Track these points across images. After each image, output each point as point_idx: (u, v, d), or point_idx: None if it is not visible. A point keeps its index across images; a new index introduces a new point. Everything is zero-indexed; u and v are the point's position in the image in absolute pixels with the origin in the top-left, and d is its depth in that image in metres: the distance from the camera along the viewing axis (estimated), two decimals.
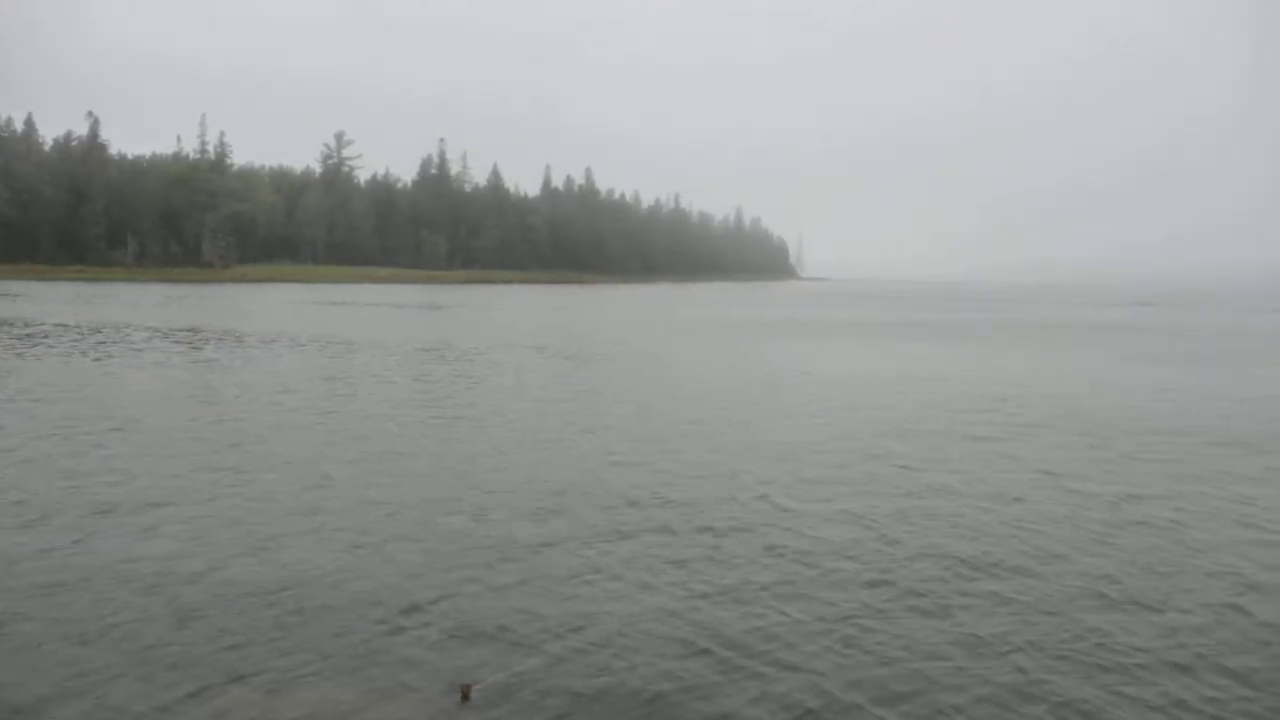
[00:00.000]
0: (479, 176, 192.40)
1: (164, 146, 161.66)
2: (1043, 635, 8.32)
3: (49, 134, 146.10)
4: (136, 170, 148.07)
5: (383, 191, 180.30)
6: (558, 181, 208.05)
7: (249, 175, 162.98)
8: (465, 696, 7.07)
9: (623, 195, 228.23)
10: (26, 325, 40.44)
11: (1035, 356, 37.41)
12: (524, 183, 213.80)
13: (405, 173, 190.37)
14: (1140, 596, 9.28)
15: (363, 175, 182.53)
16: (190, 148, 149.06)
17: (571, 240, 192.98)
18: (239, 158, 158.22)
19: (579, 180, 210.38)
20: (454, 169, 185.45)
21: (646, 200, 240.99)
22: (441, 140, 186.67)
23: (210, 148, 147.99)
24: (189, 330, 40.86)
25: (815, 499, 12.82)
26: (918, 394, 24.01)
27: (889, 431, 18.28)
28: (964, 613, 8.81)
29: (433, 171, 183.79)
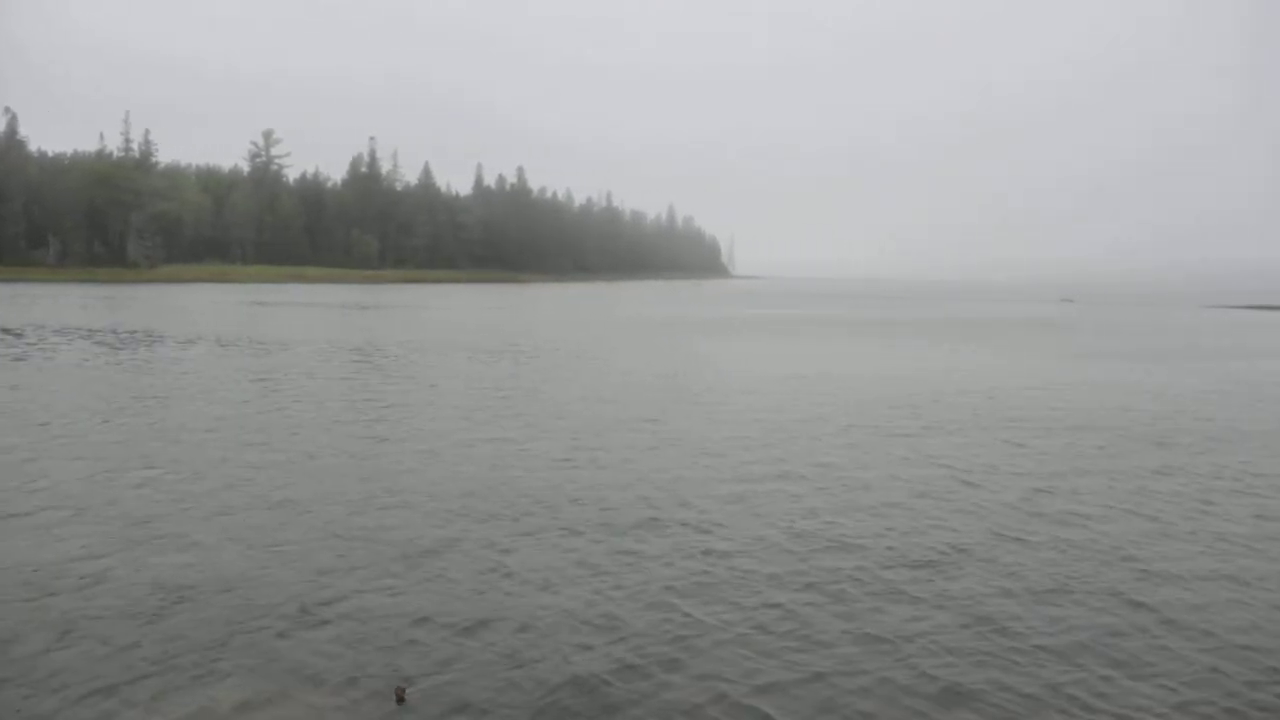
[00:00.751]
0: (411, 175, 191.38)
1: (88, 144, 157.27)
2: (938, 627, 8.47)
3: None
4: (57, 168, 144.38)
5: (312, 190, 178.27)
6: (490, 180, 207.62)
7: (175, 174, 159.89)
8: (400, 699, 7.03)
9: (555, 194, 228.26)
10: None
11: (928, 351, 37.91)
12: (455, 181, 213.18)
13: (336, 171, 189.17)
14: (1037, 586, 9.48)
15: (292, 174, 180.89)
16: (114, 145, 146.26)
17: (504, 239, 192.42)
18: (169, 155, 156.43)
19: (511, 179, 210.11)
20: (384, 167, 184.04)
21: (579, 199, 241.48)
22: (372, 139, 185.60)
23: (135, 146, 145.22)
24: (109, 331, 40.03)
25: (726, 497, 12.92)
26: (822, 389, 24.32)
27: (800, 428, 18.46)
28: (867, 607, 8.94)
29: (363, 170, 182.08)
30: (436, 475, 14.05)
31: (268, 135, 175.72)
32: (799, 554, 10.48)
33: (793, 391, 24.28)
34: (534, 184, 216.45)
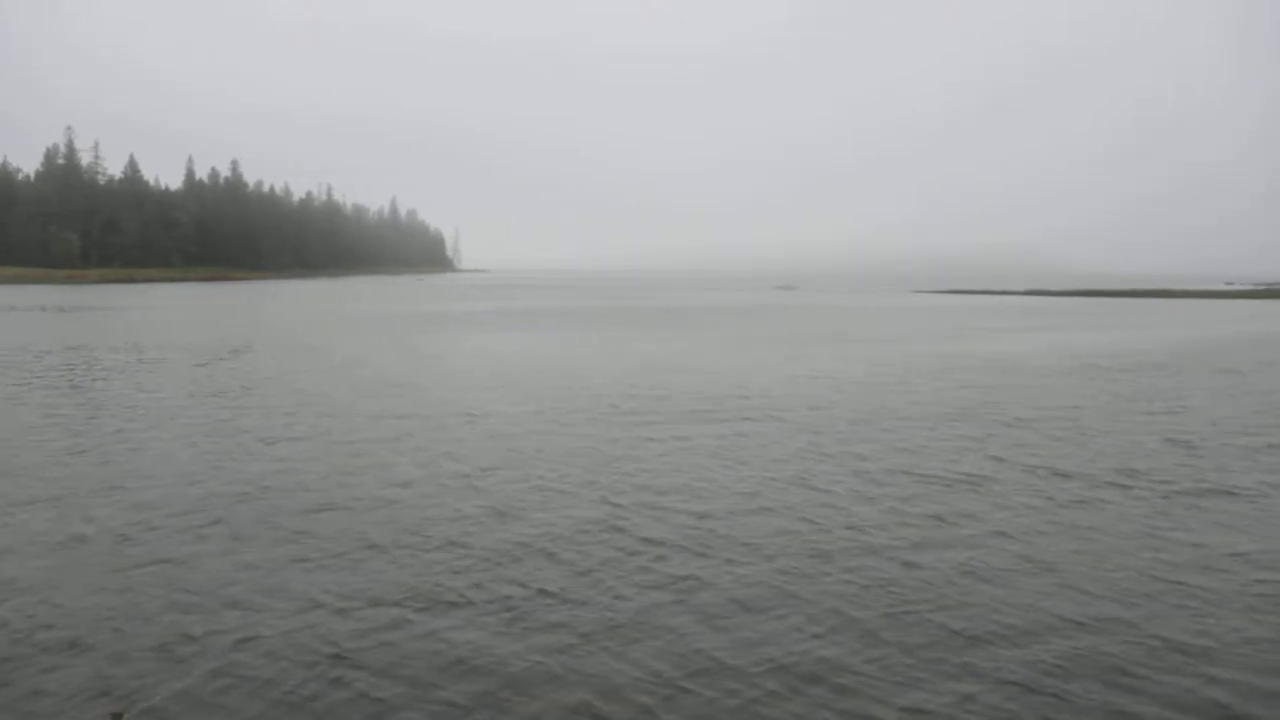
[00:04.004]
0: (115, 167, 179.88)
1: None
2: (579, 615, 8.65)
3: None
4: None
5: (1, 182, 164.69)
6: (202, 173, 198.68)
7: None
8: None
9: (272, 188, 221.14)
10: None
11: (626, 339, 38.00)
12: (165, 174, 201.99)
13: (28, 162, 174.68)
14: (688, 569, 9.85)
15: None
16: None
17: (220, 235, 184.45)
18: None
19: (225, 172, 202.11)
20: (85, 159, 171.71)
21: (298, 192, 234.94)
22: (69, 128, 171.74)
23: None
24: None
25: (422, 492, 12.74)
26: (525, 377, 24.00)
27: (523, 418, 18.32)
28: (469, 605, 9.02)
29: (59, 162, 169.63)
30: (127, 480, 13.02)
31: None
32: (491, 546, 10.41)
33: (513, 383, 23.85)
34: (250, 177, 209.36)
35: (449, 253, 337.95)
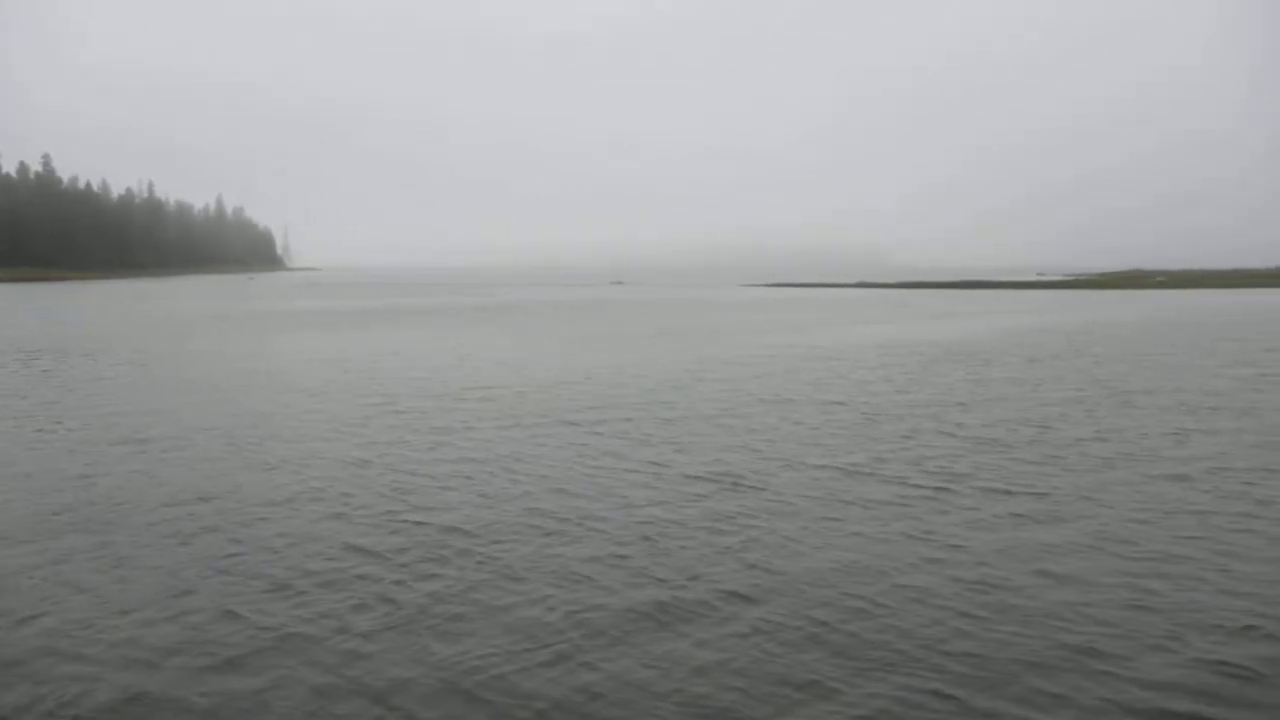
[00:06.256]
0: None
1: None
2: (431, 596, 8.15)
3: None
4: None
5: None
6: (9, 167, 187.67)
7: None
8: None
9: (89, 184, 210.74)
10: None
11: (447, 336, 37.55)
12: None
13: None
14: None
15: None
16: None
17: (31, 233, 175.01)
18: None
19: (35, 167, 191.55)
20: None
21: (117, 189, 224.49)
22: None
23: None
24: None
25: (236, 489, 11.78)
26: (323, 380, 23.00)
27: (358, 418, 17.37)
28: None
29: None
30: None
31: None
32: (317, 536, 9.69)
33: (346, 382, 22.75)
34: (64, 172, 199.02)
35: (279, 251, 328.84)
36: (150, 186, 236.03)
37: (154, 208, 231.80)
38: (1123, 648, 7.55)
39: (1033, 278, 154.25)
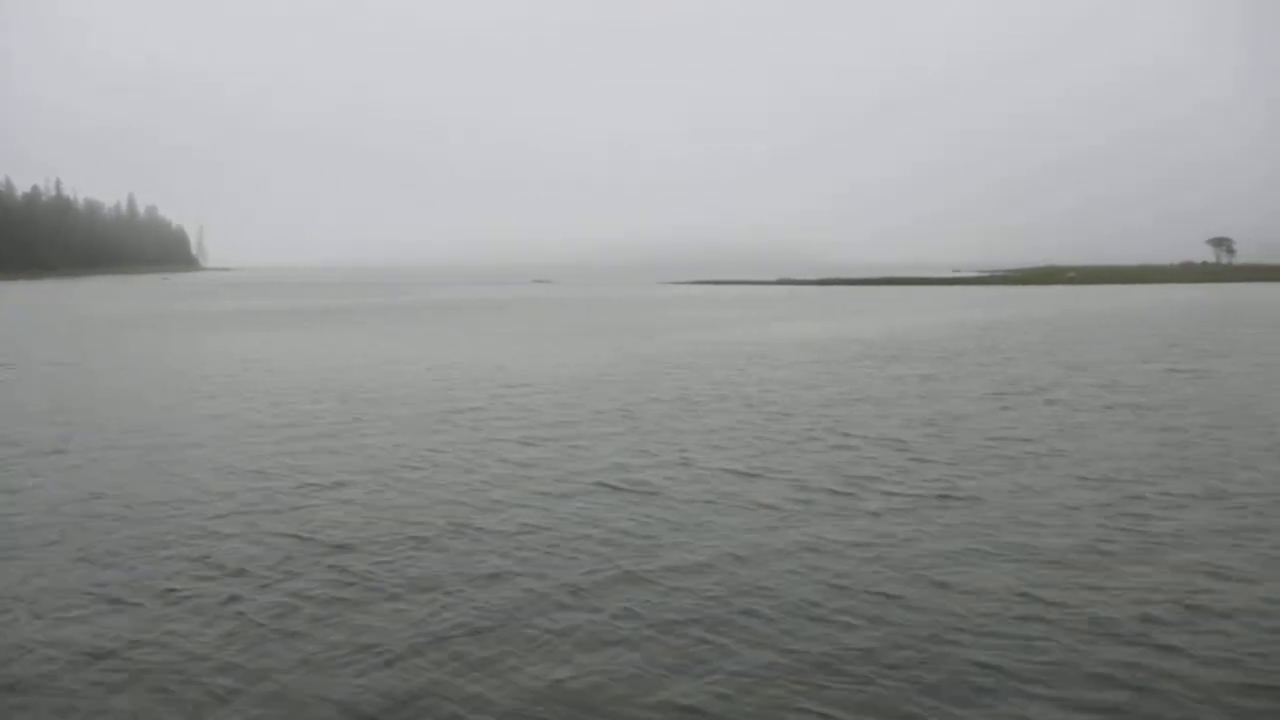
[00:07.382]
0: None
1: None
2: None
3: None
4: None
5: None
6: None
7: None
8: None
9: None
10: None
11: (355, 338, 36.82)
12: None
13: None
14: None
15: None
16: None
17: None
18: None
19: None
20: None
21: (21, 187, 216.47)
22: None
23: None
24: None
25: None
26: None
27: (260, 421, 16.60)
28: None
29: None
30: None
31: None
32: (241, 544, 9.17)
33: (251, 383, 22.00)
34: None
35: (193, 250, 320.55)
36: (58, 185, 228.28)
37: (61, 207, 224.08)
38: (1008, 657, 7.41)
39: (948, 274, 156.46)
